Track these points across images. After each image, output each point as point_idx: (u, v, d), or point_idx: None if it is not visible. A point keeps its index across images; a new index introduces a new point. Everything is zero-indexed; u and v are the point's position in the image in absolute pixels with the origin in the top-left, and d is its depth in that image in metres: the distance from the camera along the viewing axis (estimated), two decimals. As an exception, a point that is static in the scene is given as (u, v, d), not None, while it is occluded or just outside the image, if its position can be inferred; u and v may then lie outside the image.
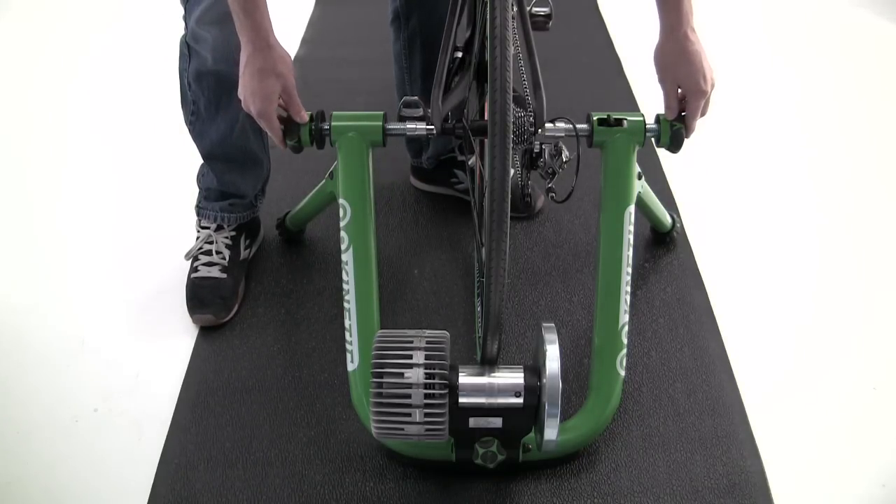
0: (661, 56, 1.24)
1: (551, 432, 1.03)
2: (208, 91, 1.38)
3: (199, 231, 1.53)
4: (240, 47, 1.18)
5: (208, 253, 1.49)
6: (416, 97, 1.26)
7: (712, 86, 1.23)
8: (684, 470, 1.19)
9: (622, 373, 1.21)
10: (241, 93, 1.19)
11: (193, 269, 1.49)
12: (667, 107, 1.26)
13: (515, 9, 1.19)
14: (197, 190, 1.54)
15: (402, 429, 1.05)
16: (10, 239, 1.67)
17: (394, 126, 1.26)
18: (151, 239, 1.65)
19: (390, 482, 1.17)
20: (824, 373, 1.38)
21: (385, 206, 1.71)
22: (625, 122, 1.26)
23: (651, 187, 1.44)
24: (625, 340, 1.22)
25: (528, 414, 1.07)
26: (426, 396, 1.02)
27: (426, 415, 1.03)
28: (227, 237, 1.51)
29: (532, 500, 1.15)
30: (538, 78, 1.18)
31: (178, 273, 1.51)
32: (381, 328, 1.21)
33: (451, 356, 1.07)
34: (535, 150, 1.20)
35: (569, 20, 2.24)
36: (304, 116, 1.24)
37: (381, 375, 1.03)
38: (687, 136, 1.26)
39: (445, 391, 1.03)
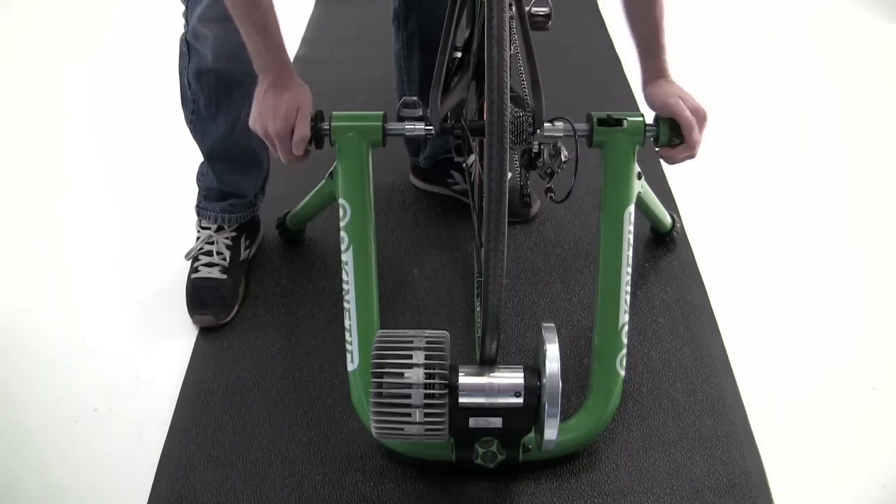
0: (654, 92, 1.26)
1: (551, 432, 1.03)
2: (208, 90, 1.38)
3: (199, 231, 1.53)
4: (240, 45, 1.18)
5: (209, 254, 1.49)
6: (415, 97, 1.26)
7: (705, 117, 1.24)
8: (684, 470, 1.19)
9: (622, 373, 1.21)
10: (256, 115, 1.20)
11: (194, 270, 1.49)
12: (685, 126, 1.23)
13: (514, 9, 1.19)
14: (196, 189, 1.54)
15: (402, 429, 1.05)
16: (10, 239, 1.67)
17: (393, 126, 1.26)
18: (151, 239, 1.65)
19: (390, 482, 1.17)
20: (824, 373, 1.38)
21: (385, 206, 1.71)
22: (625, 122, 1.26)
23: (651, 187, 1.44)
24: (625, 340, 1.22)
25: (528, 414, 1.07)
26: (426, 396, 1.02)
27: (426, 415, 1.03)
28: (227, 238, 1.51)
29: (532, 500, 1.15)
30: (537, 78, 1.18)
31: (178, 273, 1.51)
32: (381, 328, 1.21)
33: (451, 356, 1.07)
34: (534, 150, 1.20)
35: (569, 20, 2.24)
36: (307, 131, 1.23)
37: (381, 375, 1.03)
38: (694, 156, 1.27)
39: (445, 391, 1.03)
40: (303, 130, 1.19)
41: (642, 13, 1.23)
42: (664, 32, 1.24)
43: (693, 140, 1.23)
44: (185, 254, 1.52)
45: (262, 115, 1.19)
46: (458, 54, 1.34)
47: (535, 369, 1.07)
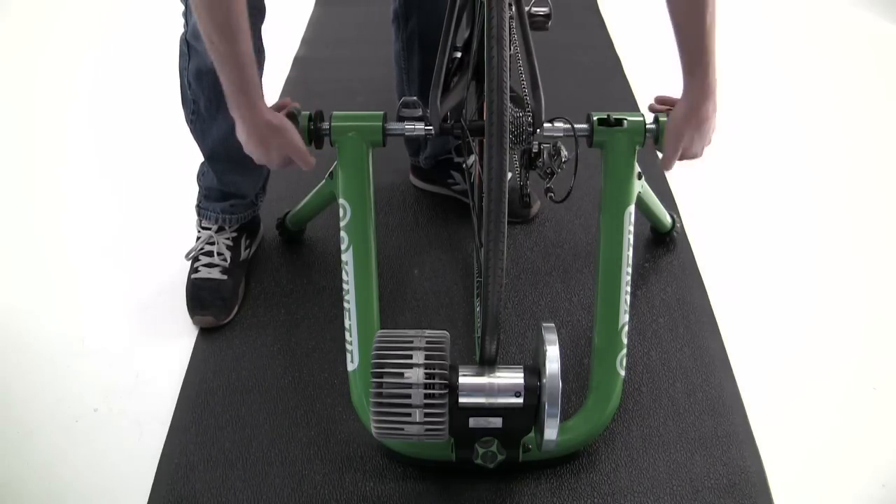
0: (676, 128, 1.24)
1: (551, 432, 1.03)
2: (208, 90, 1.37)
3: (199, 231, 1.53)
4: None
5: (209, 254, 1.49)
6: (414, 97, 1.26)
7: (692, 157, 1.28)
8: (684, 470, 1.19)
9: (622, 373, 1.21)
10: (252, 155, 1.23)
11: (194, 270, 1.49)
12: (666, 160, 1.27)
13: (514, 9, 1.20)
14: (197, 189, 1.54)
15: (402, 429, 1.05)
16: (10, 239, 1.67)
17: (393, 126, 1.27)
18: (151, 239, 1.65)
19: (390, 482, 1.17)
20: (824, 373, 1.38)
21: (385, 206, 1.71)
22: (625, 122, 1.26)
23: (651, 187, 1.44)
24: (625, 340, 1.22)
25: (528, 414, 1.07)
26: (426, 396, 1.02)
27: (426, 415, 1.03)
28: (228, 238, 1.51)
29: (532, 500, 1.15)
30: (537, 78, 1.18)
31: (178, 273, 1.51)
32: (381, 328, 1.21)
33: (451, 356, 1.07)
34: (534, 150, 1.20)
35: (569, 20, 2.24)
36: (311, 162, 1.25)
37: (381, 375, 1.03)
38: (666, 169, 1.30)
39: (445, 391, 1.03)
40: (304, 159, 1.23)
41: (688, 10, 1.12)
42: (712, 38, 1.13)
43: (664, 162, 1.26)
44: (185, 254, 1.52)
45: (258, 159, 1.23)
46: (458, 54, 1.34)
47: (535, 369, 1.07)
